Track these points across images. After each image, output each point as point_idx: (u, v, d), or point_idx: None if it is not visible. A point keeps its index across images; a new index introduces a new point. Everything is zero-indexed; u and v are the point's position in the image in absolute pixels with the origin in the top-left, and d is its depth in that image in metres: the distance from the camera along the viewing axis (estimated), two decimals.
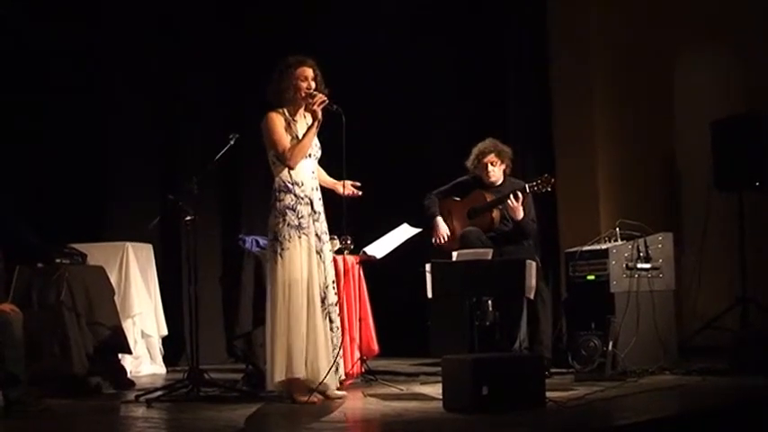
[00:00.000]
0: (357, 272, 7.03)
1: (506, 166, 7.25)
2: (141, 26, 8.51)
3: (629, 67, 8.54)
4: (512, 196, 6.96)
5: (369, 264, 7.11)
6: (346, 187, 6.19)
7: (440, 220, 7.30)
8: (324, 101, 5.85)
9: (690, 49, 8.80)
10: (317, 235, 5.90)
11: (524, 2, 8.77)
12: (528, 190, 6.99)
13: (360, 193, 6.22)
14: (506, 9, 8.82)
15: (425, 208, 7.38)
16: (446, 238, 7.23)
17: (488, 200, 7.20)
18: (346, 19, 9.06)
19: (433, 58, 9.02)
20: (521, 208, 6.98)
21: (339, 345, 5.94)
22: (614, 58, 8.53)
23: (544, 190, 7.02)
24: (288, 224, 5.81)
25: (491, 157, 7.19)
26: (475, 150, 7.26)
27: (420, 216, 7.41)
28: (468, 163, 7.27)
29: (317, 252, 5.88)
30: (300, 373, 5.70)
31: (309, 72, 5.92)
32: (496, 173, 7.21)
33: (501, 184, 7.25)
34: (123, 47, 8.38)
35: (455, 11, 8.99)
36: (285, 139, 5.85)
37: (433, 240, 7.27)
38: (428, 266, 6.22)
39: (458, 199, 7.34)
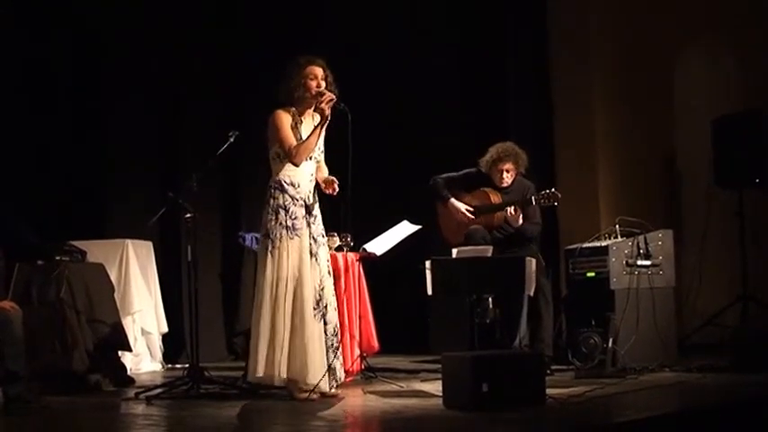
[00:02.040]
0: (357, 269, 7.02)
1: (520, 172, 7.25)
2: (141, 25, 8.49)
3: (629, 65, 8.55)
4: (509, 209, 6.97)
5: (369, 261, 7.11)
6: (327, 185, 6.05)
7: (454, 201, 7.28)
8: (332, 99, 5.84)
9: (690, 48, 8.81)
10: (313, 237, 5.87)
11: (524, 1, 8.77)
12: (534, 202, 7.00)
13: (335, 192, 6.06)
14: (506, 9, 8.82)
15: (435, 191, 7.35)
16: (468, 215, 7.21)
17: (493, 199, 7.21)
18: (346, 19, 9.06)
19: (434, 57, 9.02)
20: (520, 217, 7.00)
21: (337, 347, 5.92)
22: (614, 57, 8.54)
23: (550, 204, 7.03)
24: (280, 223, 5.81)
25: (508, 164, 7.17)
26: (492, 151, 7.21)
27: (420, 209, 7.42)
28: (483, 162, 7.25)
29: (313, 254, 5.85)
30: (282, 374, 5.69)
31: (319, 71, 5.92)
32: (509, 179, 7.21)
33: (510, 184, 7.25)
34: (122, 46, 8.37)
35: (455, 10, 8.99)
36: (292, 137, 5.85)
37: (459, 220, 7.24)
38: (428, 263, 6.22)
39: (464, 193, 7.33)
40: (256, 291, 5.85)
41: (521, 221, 7.04)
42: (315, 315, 5.79)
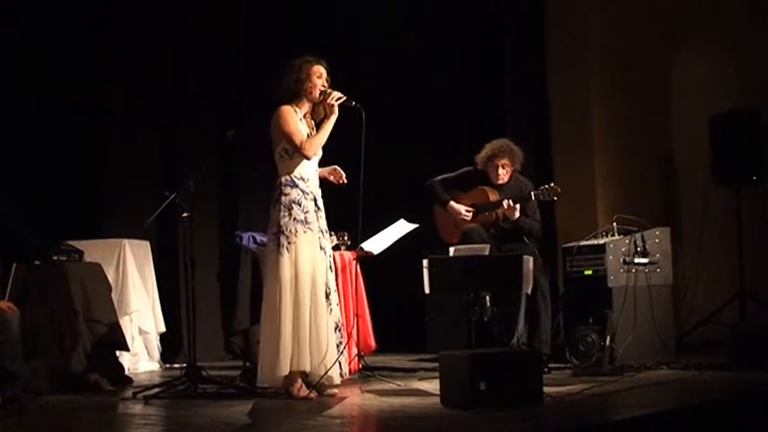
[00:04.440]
0: (354, 268, 7.03)
1: (515, 169, 7.25)
2: (140, 24, 8.49)
3: (627, 62, 8.54)
4: (504, 203, 6.97)
5: (366, 259, 7.11)
6: (335, 175, 6.09)
7: (453, 204, 7.28)
8: (341, 97, 5.91)
9: (688, 45, 8.80)
10: (321, 231, 5.94)
11: None
12: (533, 198, 6.99)
13: (342, 182, 6.12)
14: (504, 6, 8.81)
15: (433, 194, 7.36)
16: (468, 217, 7.20)
17: (490, 196, 7.21)
18: (344, 17, 9.05)
19: (431, 56, 9.01)
20: (516, 210, 6.99)
21: (341, 343, 5.95)
22: (612, 54, 8.53)
23: (550, 199, 7.02)
24: (294, 218, 5.83)
25: (504, 160, 7.18)
26: (488, 147, 7.22)
27: (417, 207, 7.43)
28: (479, 158, 7.25)
29: (322, 248, 5.92)
30: (307, 366, 5.73)
31: (324, 71, 5.97)
32: (505, 176, 7.21)
33: (506, 182, 7.24)
34: (121, 44, 8.36)
35: (453, 8, 8.98)
36: (301, 131, 5.88)
37: (461, 220, 7.22)
38: (425, 262, 6.21)
39: (461, 193, 7.33)
40: (270, 289, 5.84)
41: (517, 214, 7.03)
42: (326, 309, 5.85)
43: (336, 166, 6.10)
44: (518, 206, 7.04)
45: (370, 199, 6.20)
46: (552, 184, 7.01)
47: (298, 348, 5.73)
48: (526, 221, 7.15)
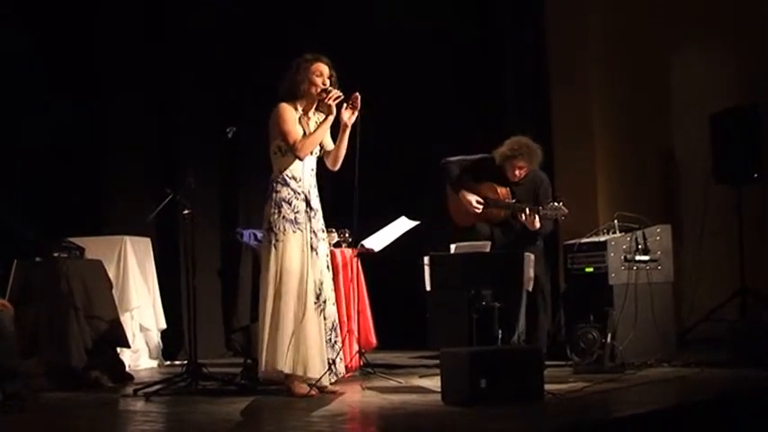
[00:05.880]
0: (355, 265, 7.02)
1: (533, 168, 7.23)
2: (138, 21, 8.49)
3: (627, 59, 8.54)
4: (524, 214, 6.95)
5: (367, 257, 7.10)
6: (353, 100, 5.92)
7: (465, 193, 7.23)
8: (339, 96, 5.88)
9: (688, 42, 8.80)
10: (313, 232, 5.90)
11: None
12: (540, 212, 6.96)
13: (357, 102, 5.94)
14: (505, 4, 8.80)
15: (448, 176, 7.31)
16: (478, 209, 7.20)
17: (499, 192, 7.18)
18: (344, 12, 9.05)
19: (433, 55, 9.00)
20: (536, 221, 6.97)
21: (335, 342, 5.94)
22: (612, 52, 8.52)
23: (554, 218, 7.00)
24: (283, 216, 5.83)
25: (521, 162, 7.15)
26: (508, 145, 7.18)
27: (418, 205, 7.42)
28: (497, 154, 7.19)
29: (314, 249, 5.88)
30: (284, 366, 5.70)
31: (325, 69, 5.94)
32: (521, 176, 7.19)
33: (522, 178, 7.23)
34: (120, 41, 8.36)
35: (455, 10, 8.98)
36: (297, 131, 5.86)
37: (472, 210, 7.21)
38: (426, 259, 6.21)
39: (472, 182, 7.30)
40: (261, 285, 5.86)
41: (538, 224, 7.00)
42: (315, 309, 5.82)
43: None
44: (537, 218, 6.98)
45: (371, 197, 6.21)
46: (561, 204, 6.93)
47: (277, 347, 5.70)
48: (547, 229, 7.13)
